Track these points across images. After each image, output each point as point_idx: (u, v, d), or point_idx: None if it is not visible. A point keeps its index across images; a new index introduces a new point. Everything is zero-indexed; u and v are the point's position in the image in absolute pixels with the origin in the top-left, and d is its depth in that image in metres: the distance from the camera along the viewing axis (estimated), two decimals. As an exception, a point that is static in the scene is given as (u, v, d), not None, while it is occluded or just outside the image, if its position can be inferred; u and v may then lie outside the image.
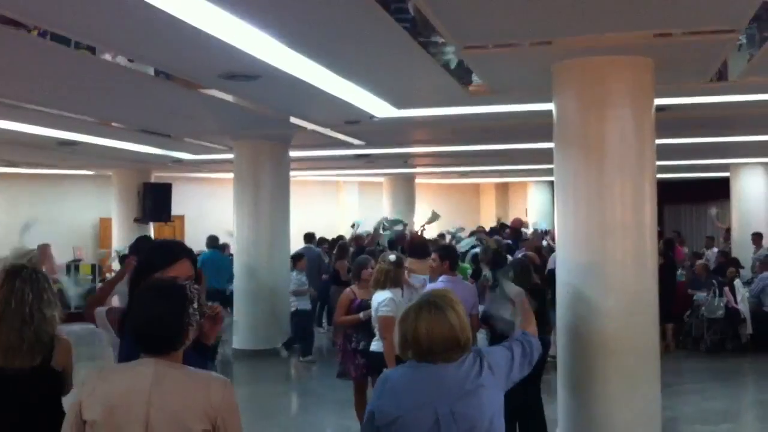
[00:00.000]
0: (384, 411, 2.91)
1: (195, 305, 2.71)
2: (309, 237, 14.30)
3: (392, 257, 6.68)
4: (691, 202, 21.81)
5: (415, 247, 8.86)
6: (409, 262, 7.66)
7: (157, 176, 18.05)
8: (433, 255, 7.25)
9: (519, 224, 15.84)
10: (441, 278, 6.90)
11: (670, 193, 18.26)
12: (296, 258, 11.96)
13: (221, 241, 13.96)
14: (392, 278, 6.53)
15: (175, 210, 17.85)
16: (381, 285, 6.51)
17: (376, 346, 6.58)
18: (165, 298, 2.69)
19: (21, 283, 3.74)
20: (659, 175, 7.05)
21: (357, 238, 14.13)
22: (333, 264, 12.92)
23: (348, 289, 7.25)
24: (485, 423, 2.85)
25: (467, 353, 2.94)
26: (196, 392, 2.63)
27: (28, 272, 3.80)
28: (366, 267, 7.16)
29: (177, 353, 2.69)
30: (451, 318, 2.90)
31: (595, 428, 6.60)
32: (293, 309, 11.56)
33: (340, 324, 7.35)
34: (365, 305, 6.87)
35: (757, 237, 15.53)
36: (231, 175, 12.83)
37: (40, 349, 3.71)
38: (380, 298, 6.45)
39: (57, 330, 3.82)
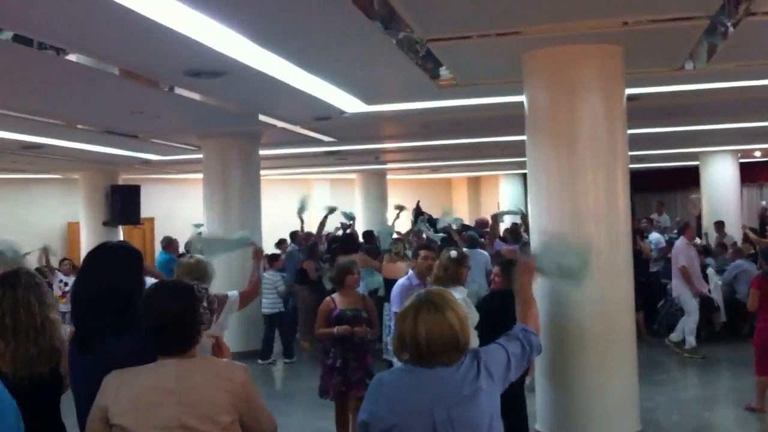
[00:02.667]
0: (379, 417, 2.77)
1: (204, 304, 2.84)
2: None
3: (453, 253, 5.96)
4: (661, 191, 21.94)
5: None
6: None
7: (124, 178, 17.81)
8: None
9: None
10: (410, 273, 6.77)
11: (640, 183, 18.32)
12: (272, 258, 11.78)
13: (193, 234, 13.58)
14: (452, 275, 5.82)
15: (145, 212, 17.61)
16: (442, 282, 5.69)
17: None
18: (177, 297, 2.80)
19: (23, 291, 3.59)
20: (630, 165, 7.03)
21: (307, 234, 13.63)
22: (301, 262, 12.65)
23: (328, 298, 6.58)
24: (484, 428, 2.75)
25: (464, 356, 2.82)
26: (221, 382, 2.72)
27: (27, 278, 3.66)
28: (351, 272, 6.47)
29: (192, 351, 2.79)
30: (450, 318, 2.78)
31: (574, 419, 6.58)
32: (275, 311, 11.37)
33: (318, 336, 6.69)
34: (344, 317, 6.29)
35: (719, 225, 15.54)
36: (200, 175, 12.65)
37: (56, 355, 3.61)
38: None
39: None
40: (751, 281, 8.18)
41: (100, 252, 3.22)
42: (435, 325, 2.75)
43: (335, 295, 6.56)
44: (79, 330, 3.09)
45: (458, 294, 5.89)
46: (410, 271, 6.92)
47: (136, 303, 2.87)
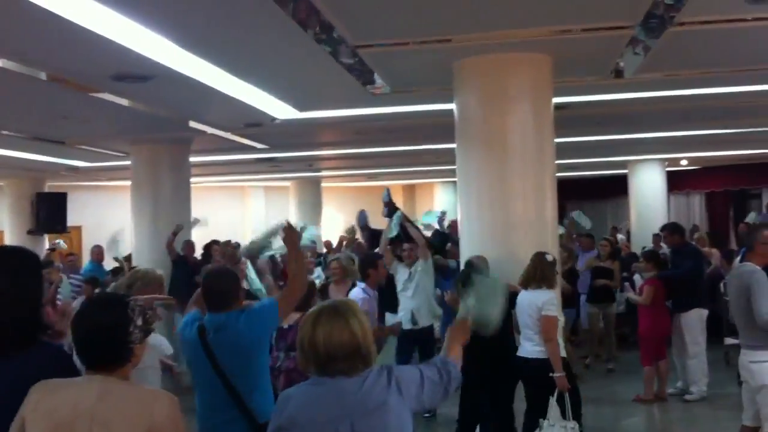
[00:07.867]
0: (283, 428, 2.73)
1: (139, 321, 2.66)
2: None
3: (549, 256, 6.13)
4: (591, 199, 22.30)
5: None
6: None
7: (51, 185, 17.32)
8: None
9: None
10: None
11: (571, 191, 18.58)
12: None
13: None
14: (549, 277, 6.05)
15: (72, 220, 17.16)
16: (537, 283, 5.99)
17: (532, 351, 5.94)
18: (107, 310, 2.67)
19: None
20: (560, 174, 7.10)
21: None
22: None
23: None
24: None
25: (369, 368, 2.75)
26: (141, 410, 2.57)
27: None
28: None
29: (123, 370, 2.64)
30: (352, 324, 2.72)
31: None
32: None
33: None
34: None
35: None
36: (129, 183, 12.40)
37: None
38: (544, 296, 5.92)
39: None
40: (647, 280, 8.70)
41: None
42: (334, 330, 2.68)
43: None
44: None
45: (553, 293, 6.01)
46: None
47: (37, 311, 2.77)
